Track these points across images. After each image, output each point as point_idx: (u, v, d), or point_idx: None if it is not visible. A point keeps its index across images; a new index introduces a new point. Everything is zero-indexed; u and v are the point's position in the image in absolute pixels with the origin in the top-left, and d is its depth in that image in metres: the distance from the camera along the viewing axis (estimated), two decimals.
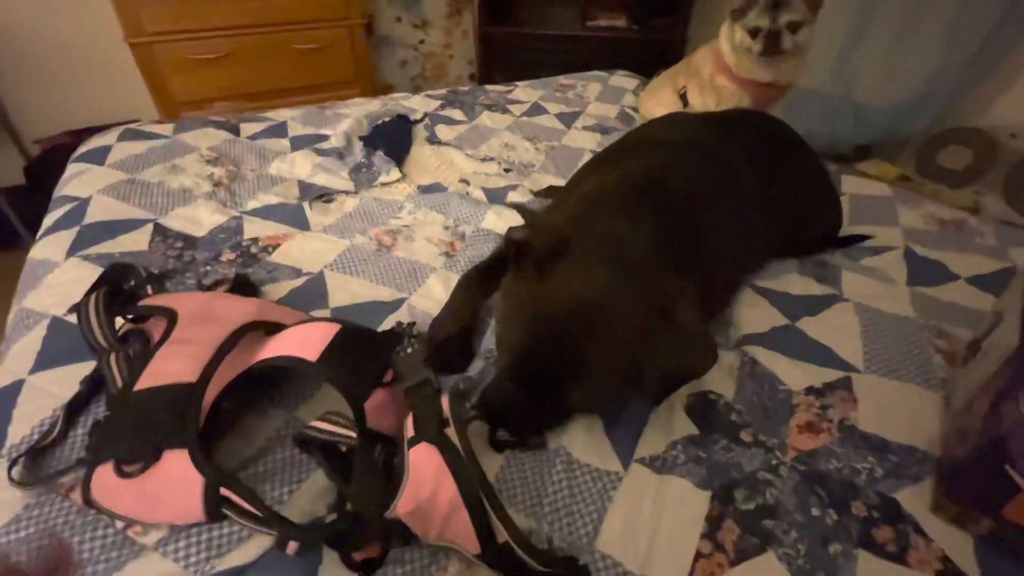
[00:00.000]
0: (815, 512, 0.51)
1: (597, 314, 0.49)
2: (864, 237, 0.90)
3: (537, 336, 0.51)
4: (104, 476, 0.48)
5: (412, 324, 0.72)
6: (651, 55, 2.14)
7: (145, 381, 0.51)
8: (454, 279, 0.80)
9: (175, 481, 0.47)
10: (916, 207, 1.02)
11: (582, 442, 0.57)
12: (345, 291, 0.78)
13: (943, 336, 0.70)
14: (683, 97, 1.27)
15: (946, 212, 1.00)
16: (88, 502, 0.49)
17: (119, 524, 0.50)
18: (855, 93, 1.82)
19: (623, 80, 1.58)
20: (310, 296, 0.76)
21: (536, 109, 1.37)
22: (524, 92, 1.46)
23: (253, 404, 0.61)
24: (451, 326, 0.70)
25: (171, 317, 0.59)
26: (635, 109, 1.41)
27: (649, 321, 0.49)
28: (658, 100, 1.33)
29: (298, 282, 0.79)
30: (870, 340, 0.68)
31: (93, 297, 0.60)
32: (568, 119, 1.33)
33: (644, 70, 1.67)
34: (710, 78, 1.21)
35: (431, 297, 0.78)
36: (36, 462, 0.55)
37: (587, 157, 1.16)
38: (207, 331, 0.57)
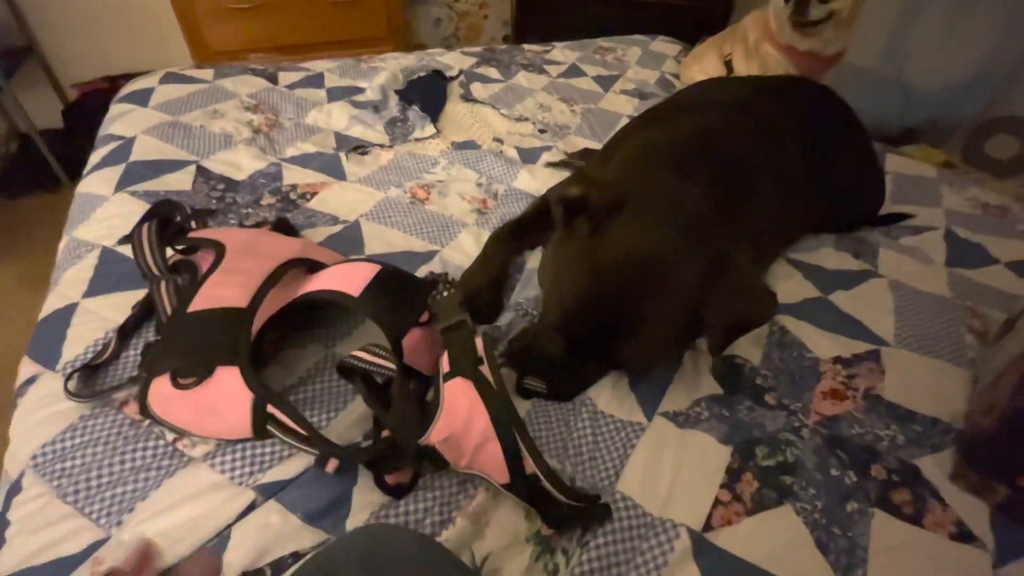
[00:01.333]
0: (834, 472, 0.52)
1: (657, 269, 0.50)
2: (905, 216, 0.88)
3: (596, 292, 0.51)
4: (160, 387, 0.51)
5: (445, 274, 0.74)
6: (694, 21, 2.07)
7: (198, 304, 0.53)
8: (485, 235, 0.82)
9: (226, 396, 0.49)
10: (961, 190, 0.99)
11: (608, 396, 0.59)
12: (380, 240, 0.80)
13: (977, 316, 0.69)
14: (728, 64, 1.24)
15: (991, 196, 0.98)
16: (144, 410, 0.52)
17: (169, 436, 0.54)
18: (905, 74, 1.74)
19: (665, 46, 1.54)
20: (347, 243, 0.78)
21: (573, 71, 1.35)
22: (562, 53, 1.43)
23: (294, 337, 0.64)
24: (482, 278, 0.72)
25: (219, 249, 0.61)
26: (676, 76, 1.38)
27: (709, 274, 0.50)
28: (701, 67, 1.29)
29: (335, 229, 0.80)
30: (902, 316, 0.68)
31: (146, 227, 0.62)
32: (606, 82, 1.30)
33: (686, 36, 1.62)
34: (756, 44, 1.17)
35: (462, 251, 0.79)
36: (90, 378, 0.59)
37: (624, 122, 1.14)
38: (254, 263, 0.59)
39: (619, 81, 1.32)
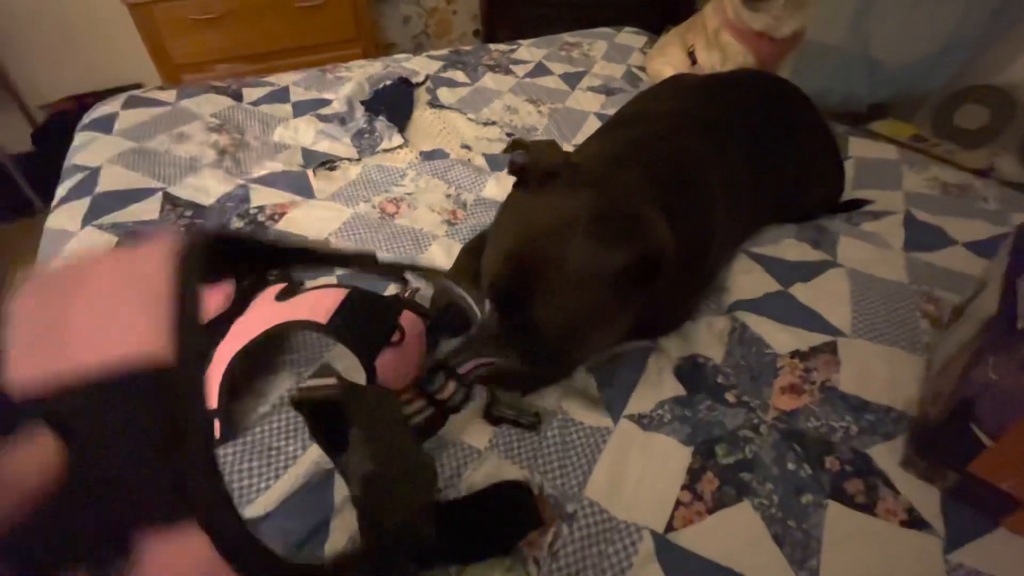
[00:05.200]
0: (791, 466, 0.54)
1: (567, 230, 0.49)
2: (865, 202, 0.90)
3: (516, 245, 0.51)
4: None
5: (416, 290, 0.75)
6: (660, 9, 2.06)
7: None
8: (456, 246, 0.83)
9: None
10: (921, 171, 1.01)
11: (576, 402, 0.61)
12: None
13: (932, 301, 0.71)
14: (691, 55, 1.24)
15: (951, 176, 0.99)
16: None
17: None
18: (871, 49, 1.75)
19: (630, 37, 1.54)
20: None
21: (540, 69, 1.35)
22: (528, 51, 1.43)
23: (266, 365, 0.65)
24: (454, 291, 0.73)
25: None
26: (642, 68, 1.38)
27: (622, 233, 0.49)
28: (667, 59, 1.29)
29: None
30: (859, 305, 0.70)
31: None
32: (573, 80, 1.31)
33: (653, 26, 1.62)
34: (715, 34, 1.18)
35: (434, 264, 0.80)
36: None
37: (591, 120, 1.15)
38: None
39: (585, 78, 1.32)
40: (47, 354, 0.21)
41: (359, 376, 0.58)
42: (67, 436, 0.19)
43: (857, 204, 0.89)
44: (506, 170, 0.59)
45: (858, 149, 1.07)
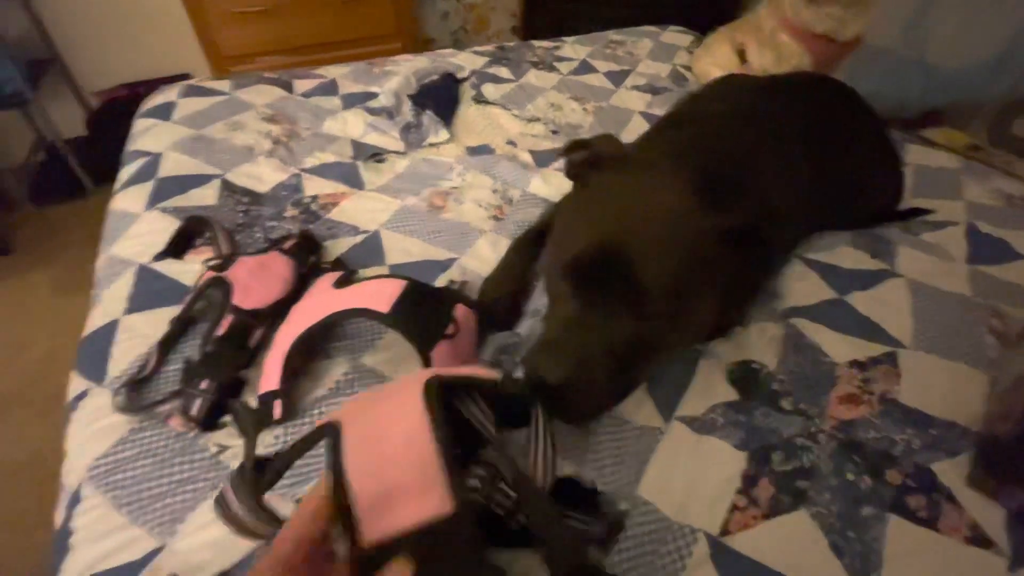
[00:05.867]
0: (850, 477, 0.53)
1: (662, 198, 0.50)
2: (924, 211, 0.87)
3: (598, 225, 0.50)
4: None
5: (464, 283, 0.76)
6: (705, 9, 2.03)
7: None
8: (502, 241, 0.83)
9: None
10: (983, 181, 0.97)
11: (626, 402, 0.60)
12: (400, 250, 0.82)
13: (998, 316, 0.69)
14: (741, 54, 1.22)
15: (1016, 187, 0.96)
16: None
17: (212, 449, 0.57)
18: (928, 53, 1.69)
19: (676, 36, 1.52)
20: (368, 253, 0.81)
21: (584, 67, 1.34)
22: (572, 49, 1.43)
23: (321, 348, 0.67)
24: (502, 287, 0.73)
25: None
26: (688, 68, 1.36)
27: (733, 239, 0.50)
28: (714, 59, 1.28)
29: (356, 239, 0.83)
30: (921, 317, 0.68)
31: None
32: (617, 78, 1.30)
33: (698, 25, 1.59)
34: (771, 34, 1.15)
35: (480, 258, 0.81)
36: (136, 392, 0.62)
37: (636, 119, 1.15)
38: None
39: (630, 76, 1.31)
40: (380, 516, 0.33)
41: (415, 364, 0.59)
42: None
43: (916, 213, 0.87)
44: (564, 171, 0.59)
45: (915, 156, 1.04)
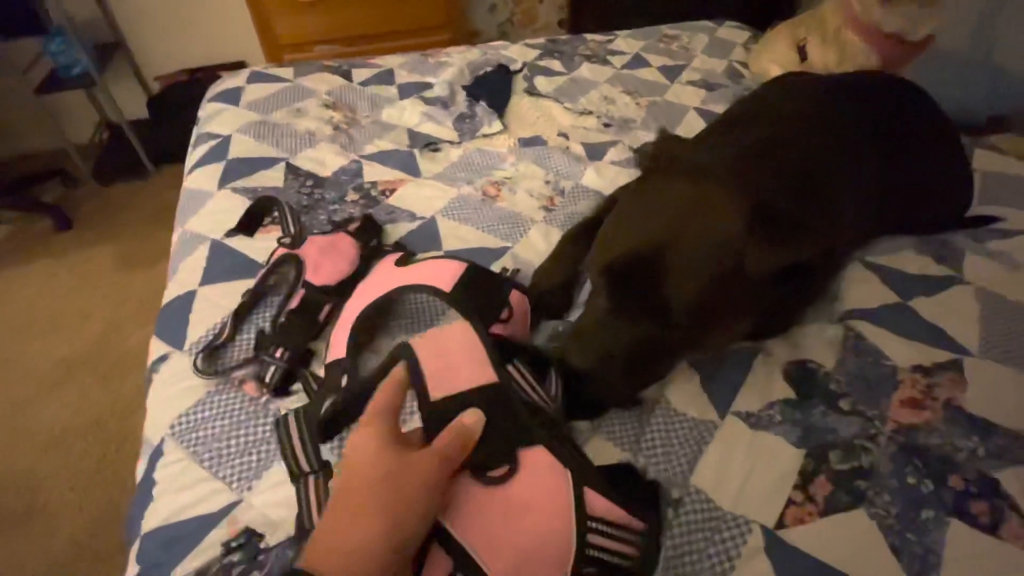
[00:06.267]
0: (911, 480, 0.53)
1: (698, 211, 0.50)
2: (994, 219, 0.84)
3: (648, 235, 0.51)
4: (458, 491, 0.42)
5: (516, 270, 0.78)
6: (761, 4, 1.98)
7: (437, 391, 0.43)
8: (553, 232, 0.85)
9: (539, 483, 0.41)
10: None
11: (680, 395, 0.61)
12: (455, 236, 0.84)
13: None
14: (802, 51, 1.19)
15: None
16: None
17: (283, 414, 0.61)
18: (995, 56, 1.62)
19: (732, 32, 1.49)
20: (425, 239, 0.83)
21: (638, 61, 1.34)
22: (625, 42, 1.42)
23: (383, 326, 0.69)
24: (555, 277, 0.75)
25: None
26: (745, 65, 1.34)
27: (750, 223, 0.49)
28: (772, 56, 1.25)
29: (413, 225, 0.86)
30: (989, 326, 0.66)
31: (293, 418, 0.56)
32: (672, 73, 1.29)
33: (754, 21, 1.56)
34: (836, 31, 1.12)
35: (532, 248, 0.82)
36: (212, 358, 0.66)
37: (690, 115, 1.14)
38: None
39: (685, 71, 1.30)
40: (444, 382, 0.42)
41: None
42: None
43: (985, 220, 0.84)
44: (636, 164, 0.59)
45: (983, 162, 1.00)
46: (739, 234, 0.49)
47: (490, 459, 0.40)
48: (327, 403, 0.55)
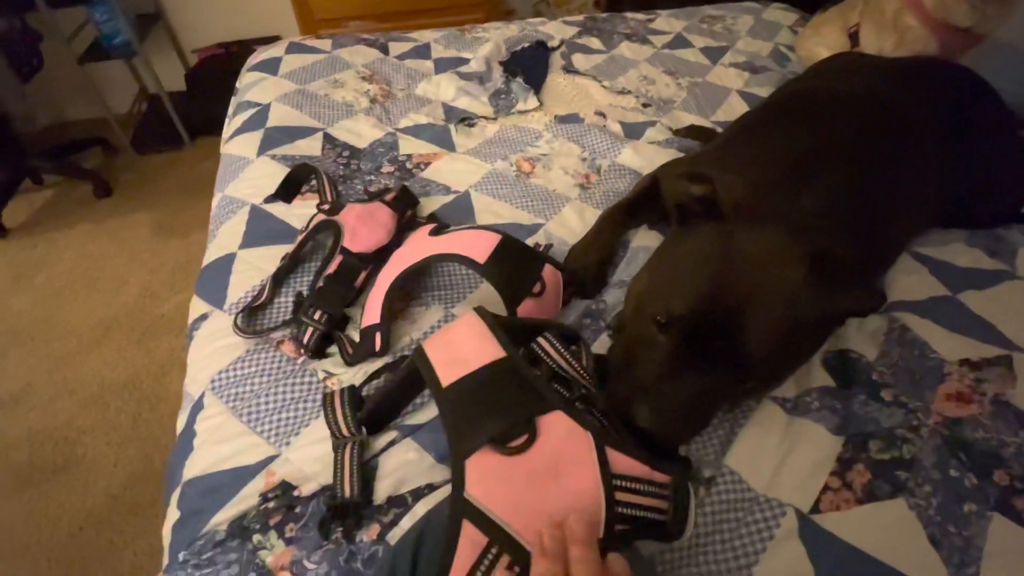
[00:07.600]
0: (953, 473, 0.51)
1: (768, 270, 0.50)
2: None
3: (717, 287, 0.50)
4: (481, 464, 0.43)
5: (549, 246, 0.77)
6: None
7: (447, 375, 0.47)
8: (588, 210, 0.84)
9: (564, 448, 0.43)
10: None
11: None
12: (489, 211, 0.84)
13: None
14: (853, 36, 1.14)
15: None
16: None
17: (320, 375, 0.62)
18: None
19: (779, 14, 1.44)
20: (459, 212, 0.83)
21: (679, 41, 1.30)
22: (666, 22, 1.38)
23: (417, 295, 0.70)
24: (592, 255, 0.74)
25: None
26: (791, 48, 1.29)
27: (810, 270, 0.50)
28: (821, 39, 1.20)
29: (448, 198, 0.86)
30: None
31: (338, 394, 0.57)
32: (714, 54, 1.25)
33: (803, 3, 1.50)
34: (895, 16, 1.07)
35: (566, 225, 0.82)
36: (251, 318, 0.68)
37: (733, 97, 1.11)
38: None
39: (728, 53, 1.26)
40: (454, 369, 0.46)
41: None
42: None
43: None
44: (678, 202, 0.56)
45: None
46: (803, 279, 0.49)
47: (509, 431, 0.41)
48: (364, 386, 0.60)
